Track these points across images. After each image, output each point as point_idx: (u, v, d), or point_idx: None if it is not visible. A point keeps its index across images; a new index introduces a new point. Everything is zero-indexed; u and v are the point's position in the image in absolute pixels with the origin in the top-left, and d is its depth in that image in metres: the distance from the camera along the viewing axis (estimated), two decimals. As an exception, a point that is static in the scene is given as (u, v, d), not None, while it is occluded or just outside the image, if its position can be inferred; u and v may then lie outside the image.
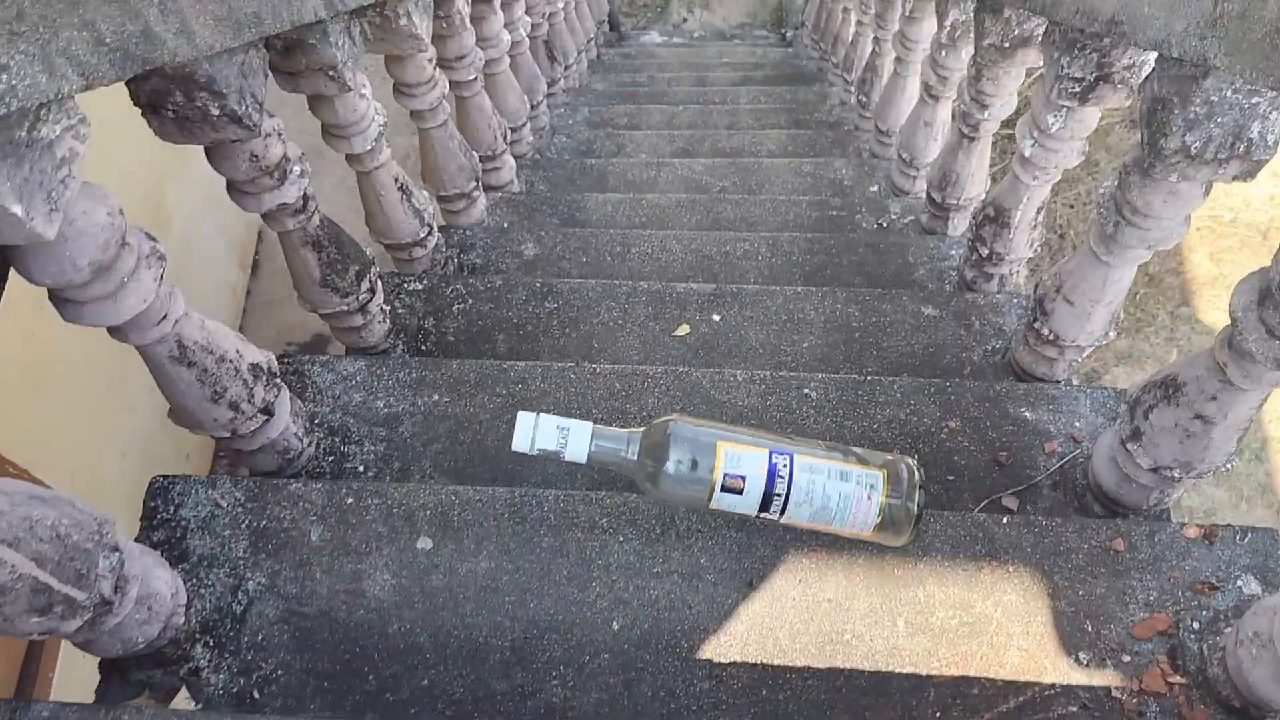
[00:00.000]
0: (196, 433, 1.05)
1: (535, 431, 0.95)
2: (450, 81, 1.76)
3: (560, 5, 3.04)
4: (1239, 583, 0.98)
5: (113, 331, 0.88)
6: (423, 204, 1.61)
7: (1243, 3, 0.72)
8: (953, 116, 1.87)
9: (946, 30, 1.73)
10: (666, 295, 1.59)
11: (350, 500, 1.05)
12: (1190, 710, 0.89)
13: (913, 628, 0.96)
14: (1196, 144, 0.88)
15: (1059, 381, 1.40)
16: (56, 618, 0.74)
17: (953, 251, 1.83)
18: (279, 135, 1.08)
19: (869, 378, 1.32)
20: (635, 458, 0.97)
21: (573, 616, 0.97)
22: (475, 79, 1.89)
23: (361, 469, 1.23)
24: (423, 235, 1.63)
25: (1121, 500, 1.13)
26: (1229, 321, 0.87)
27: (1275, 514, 2.97)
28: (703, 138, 2.93)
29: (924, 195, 1.98)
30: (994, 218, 1.53)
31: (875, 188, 2.39)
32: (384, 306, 1.47)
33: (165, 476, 1.07)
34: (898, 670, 0.93)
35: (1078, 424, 1.25)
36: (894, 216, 2.12)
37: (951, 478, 1.22)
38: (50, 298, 0.82)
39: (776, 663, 0.94)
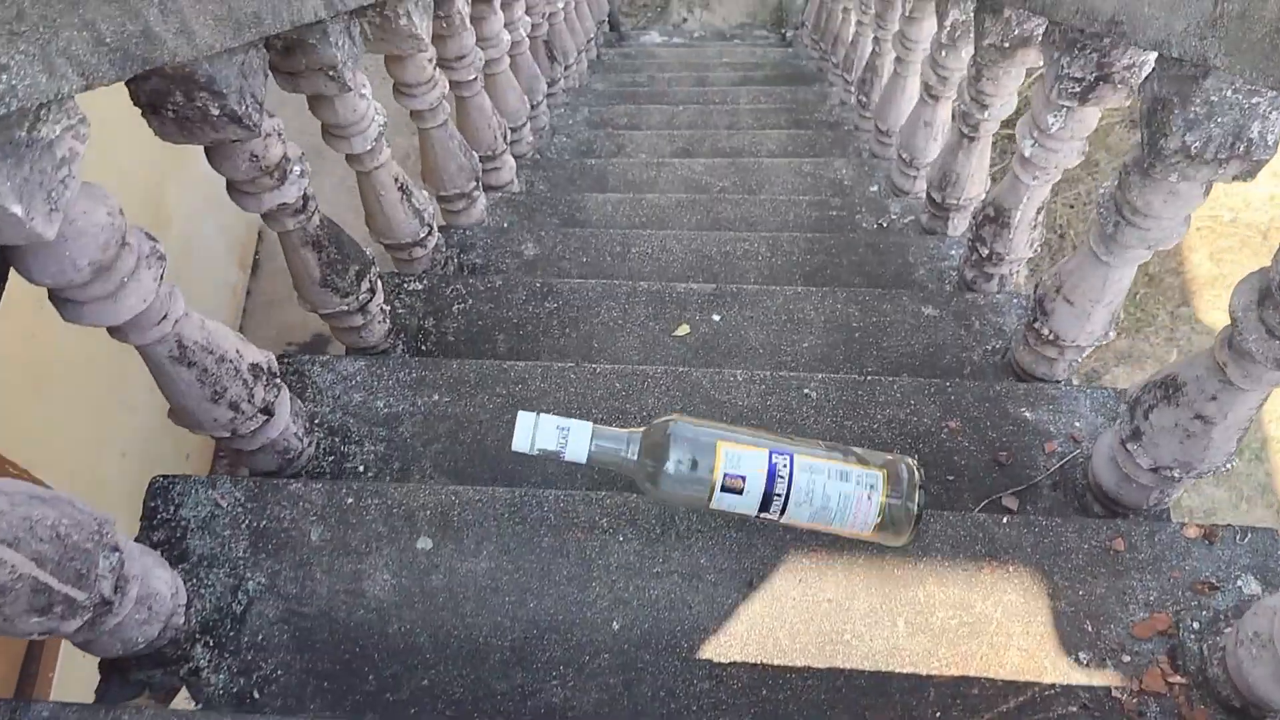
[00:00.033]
0: (196, 433, 1.05)
1: (535, 431, 0.95)
2: (450, 81, 1.76)
3: (560, 5, 3.04)
4: (1239, 583, 0.98)
5: (113, 331, 0.88)
6: (423, 204, 1.61)
7: (1243, 3, 0.72)
8: (953, 116, 1.87)
9: (946, 30, 1.73)
10: (666, 295, 1.59)
11: (350, 500, 1.05)
12: (1190, 710, 0.89)
13: (913, 628, 0.96)
14: (1196, 144, 0.88)
15: (1059, 381, 1.40)
16: (56, 618, 0.74)
17: (953, 251, 1.83)
18: (279, 135, 1.08)
19: (869, 378, 1.32)
20: (635, 458, 0.97)
21: (573, 616, 0.97)
22: (475, 79, 1.89)
23: (361, 469, 1.23)
24: (423, 235, 1.63)
25: (1121, 500, 1.13)
26: (1229, 321, 0.87)
27: (1275, 514, 2.97)
28: (703, 138, 2.93)
29: (924, 195, 1.98)
30: (994, 218, 1.53)
31: (875, 188, 2.39)
32: (384, 306, 1.47)
33: (165, 476, 1.07)
34: (898, 670, 0.93)
35: (1078, 424, 1.25)
36: (894, 216, 2.12)
37: (951, 478, 1.22)
38: (50, 298, 0.82)
39: (776, 663, 0.94)
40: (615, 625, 0.97)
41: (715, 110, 3.38)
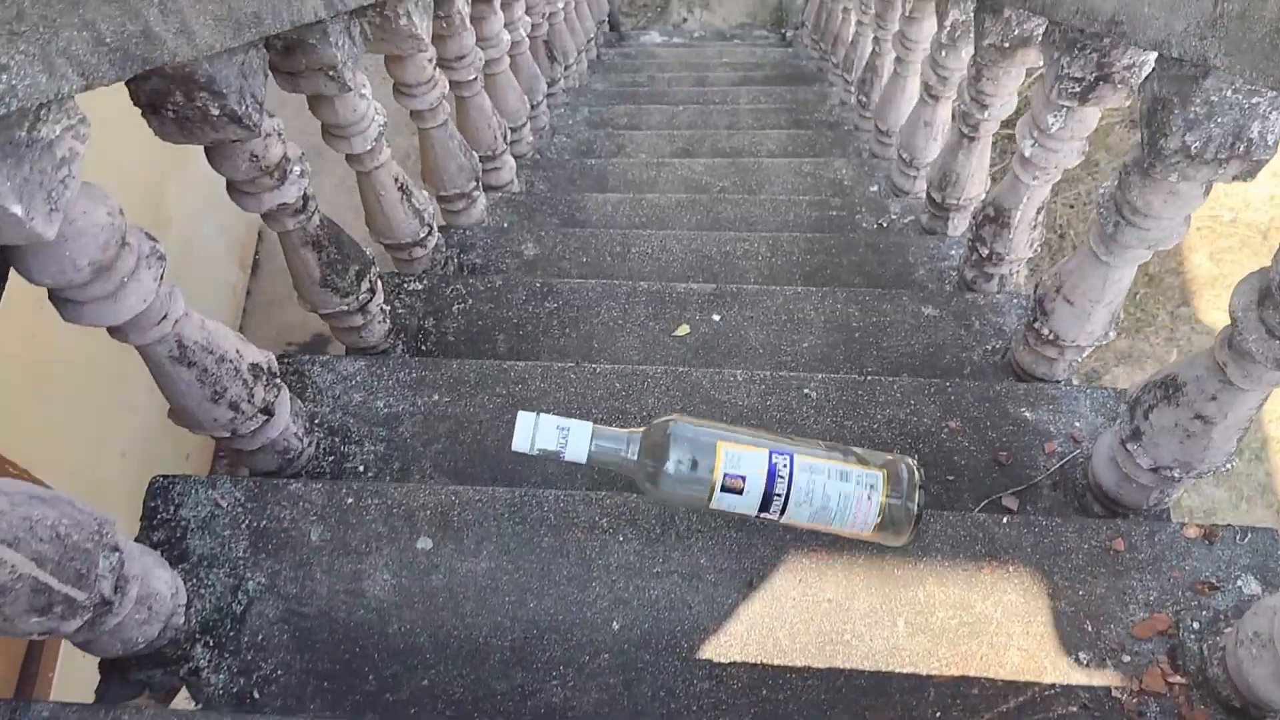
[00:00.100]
0: (196, 433, 1.05)
1: (535, 431, 0.95)
2: (450, 81, 1.76)
3: (560, 5, 3.04)
4: (1239, 583, 0.98)
5: (113, 331, 0.88)
6: (423, 204, 1.61)
7: (1243, 3, 0.72)
8: (953, 116, 1.87)
9: (946, 30, 1.73)
10: (666, 295, 1.59)
11: (350, 500, 1.05)
12: (1190, 710, 0.89)
13: (913, 628, 0.96)
14: (1196, 144, 0.88)
15: (1059, 381, 1.40)
16: (56, 618, 0.74)
17: (953, 251, 1.83)
18: (279, 135, 1.08)
19: (869, 378, 1.32)
20: (635, 458, 0.97)
21: (573, 616, 0.97)
22: (475, 79, 1.89)
23: (361, 469, 1.23)
24: (423, 235, 1.63)
25: (1121, 500, 1.13)
26: (1229, 321, 0.87)
27: (1275, 514, 2.97)
28: (703, 138, 2.93)
29: (924, 195, 1.98)
30: (994, 218, 1.53)
31: (875, 188, 2.39)
32: (384, 306, 1.47)
33: (165, 476, 1.07)
34: (898, 670, 0.93)
35: (1078, 424, 1.25)
36: (894, 216, 2.12)
37: (951, 478, 1.22)
38: (50, 298, 0.82)
39: (776, 663, 0.94)
40: (615, 625, 0.97)
41: (715, 110, 3.38)
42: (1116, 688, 0.91)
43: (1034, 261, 3.06)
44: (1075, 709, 0.90)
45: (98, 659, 0.93)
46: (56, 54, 0.66)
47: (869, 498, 0.95)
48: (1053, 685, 0.92)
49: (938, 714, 0.91)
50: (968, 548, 1.01)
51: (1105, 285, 1.19)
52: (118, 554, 0.79)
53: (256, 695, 0.93)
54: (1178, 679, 0.91)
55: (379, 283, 1.42)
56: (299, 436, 1.19)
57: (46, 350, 2.06)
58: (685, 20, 5.70)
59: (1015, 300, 1.57)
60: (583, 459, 0.96)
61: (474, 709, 0.92)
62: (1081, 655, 0.94)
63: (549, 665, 0.94)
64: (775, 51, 4.91)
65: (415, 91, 1.59)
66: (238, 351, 1.03)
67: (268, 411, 1.08)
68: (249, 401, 1.04)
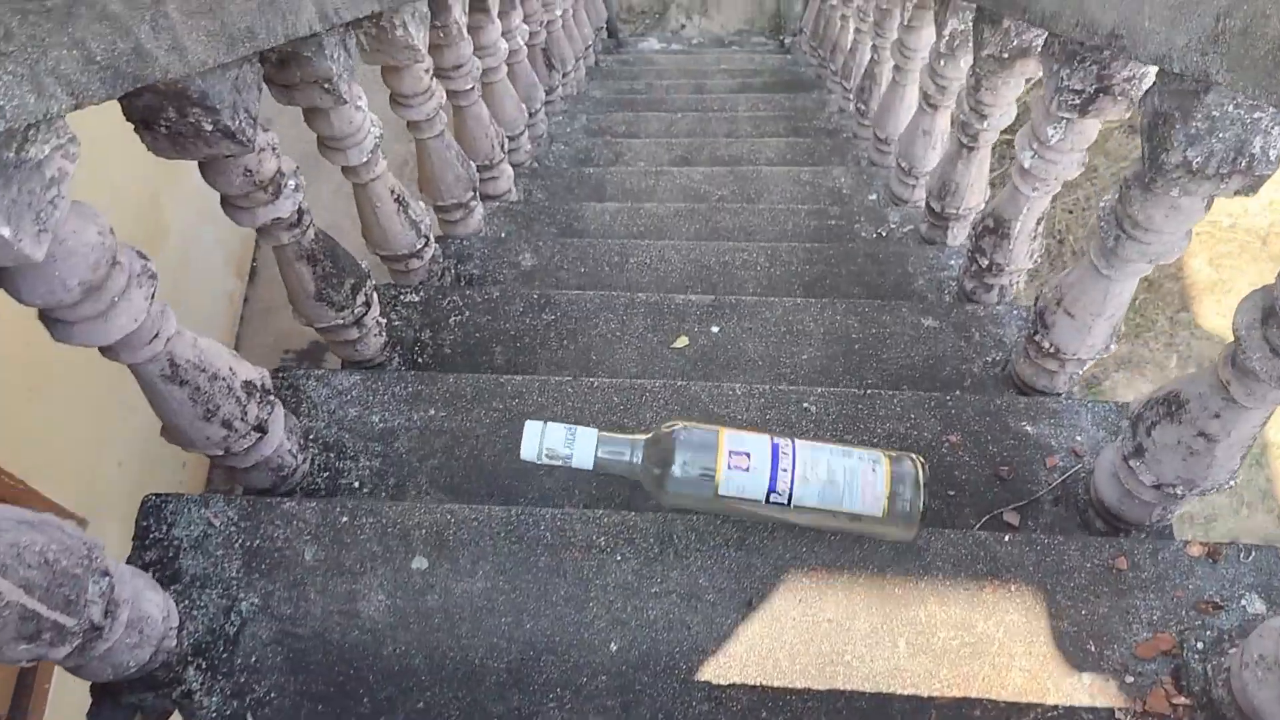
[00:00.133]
0: (189, 451, 1.04)
1: (542, 439, 0.95)
2: (447, 91, 1.75)
3: (558, 13, 3.03)
4: (1243, 602, 0.97)
5: (104, 351, 0.87)
6: (419, 215, 1.61)
7: (1245, 19, 0.71)
8: (952, 124, 1.86)
9: (945, 40, 1.73)
10: (665, 307, 1.58)
11: (344, 519, 1.04)
12: (1195, 732, 0.88)
13: (914, 648, 0.94)
14: (1198, 159, 0.87)
15: (1060, 394, 1.39)
16: (45, 644, 0.73)
17: (952, 261, 1.83)
18: (273, 149, 1.07)
19: (869, 391, 1.31)
20: (640, 462, 0.97)
21: (570, 638, 0.96)
22: (472, 88, 1.88)
23: (357, 485, 1.22)
24: (419, 247, 1.62)
25: (1124, 516, 1.12)
26: (1231, 335, 0.86)
27: (1276, 520, 2.96)
28: (701, 145, 2.93)
29: (923, 204, 1.97)
30: (994, 228, 1.53)
31: (874, 196, 2.39)
32: (380, 319, 1.46)
33: (158, 495, 1.06)
34: (899, 692, 0.92)
35: (1079, 438, 1.24)
36: (893, 226, 2.11)
37: (952, 492, 1.20)
38: (40, 317, 0.81)
39: (776, 684, 0.93)
40: (613, 646, 0.95)
41: (714, 118, 3.37)
42: (1120, 709, 0.90)
43: (1033, 268, 3.05)
44: (1079, 731, 0.89)
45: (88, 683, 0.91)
46: (45, 73, 0.66)
47: (874, 470, 0.95)
48: (1056, 707, 0.91)
49: (939, 736, 0.90)
50: (969, 566, 1.00)
51: (1106, 298, 1.19)
52: (107, 578, 0.78)
53: (250, 718, 0.92)
54: (1182, 700, 0.90)
55: (375, 296, 1.41)
56: (293, 453, 1.18)
57: (44, 357, 2.05)
58: (684, 27, 5.70)
59: (1015, 312, 1.56)
60: (589, 465, 0.96)
61: (470, 732, 0.91)
62: (1085, 676, 0.92)
63: (546, 687, 0.93)
64: (774, 58, 4.91)
65: (412, 102, 1.58)
66: (231, 369, 1.02)
67: (261, 429, 1.07)
68: (242, 419, 1.03)
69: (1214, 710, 0.89)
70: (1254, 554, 1.00)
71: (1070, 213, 3.77)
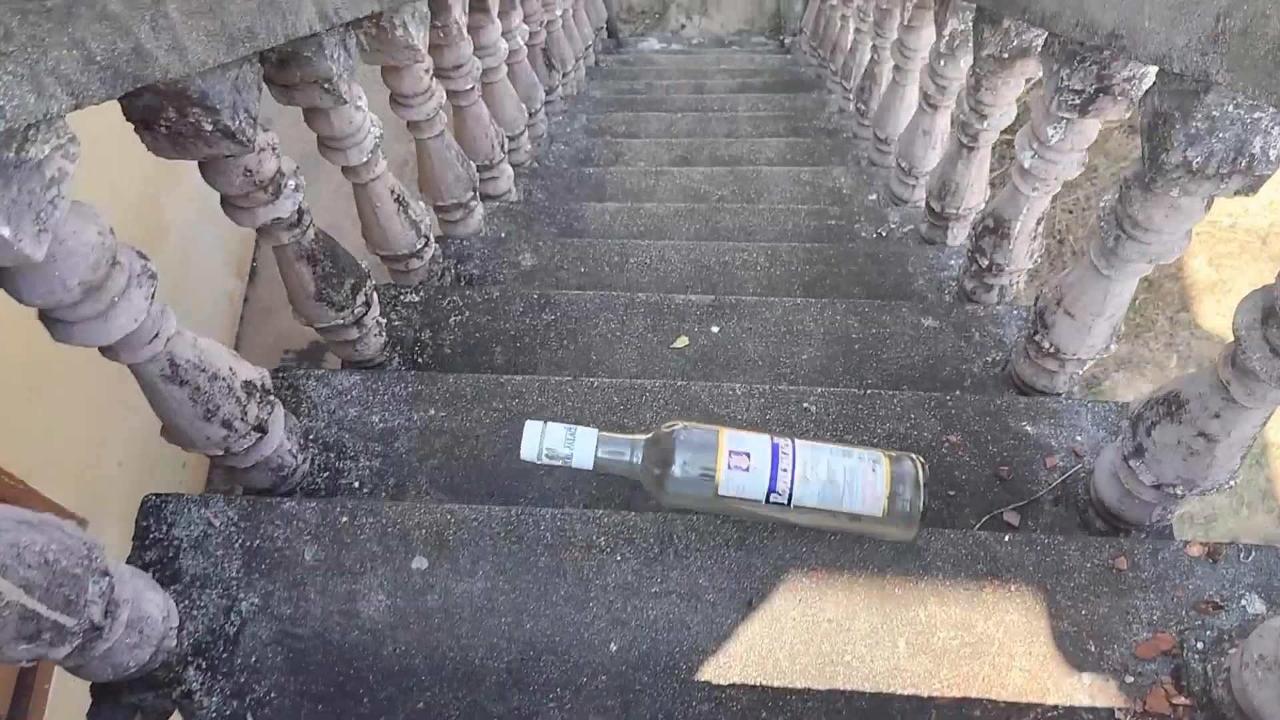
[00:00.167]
0: (189, 450, 1.04)
1: (542, 439, 0.95)
2: (447, 91, 1.75)
3: (558, 13, 3.03)
4: (1243, 602, 0.97)
5: (104, 351, 0.87)
6: (419, 215, 1.60)
7: (1245, 19, 0.71)
8: (952, 124, 1.86)
9: (945, 40, 1.72)
10: (665, 306, 1.58)
11: (344, 519, 1.04)
12: (1195, 732, 0.88)
13: (914, 648, 0.94)
14: (1198, 159, 0.87)
15: (1059, 394, 1.39)
16: (45, 644, 0.73)
17: (952, 261, 1.83)
18: (273, 149, 1.07)
19: (869, 392, 1.31)
20: (640, 462, 0.97)
21: (570, 638, 0.96)
22: (472, 88, 1.88)
23: (357, 485, 1.22)
24: (419, 247, 1.62)
25: (1124, 516, 1.12)
26: (1231, 336, 0.86)
27: (1276, 519, 2.96)
28: (701, 145, 2.93)
29: (923, 204, 1.97)
30: (993, 229, 1.53)
31: (874, 196, 2.39)
32: (380, 319, 1.46)
33: (158, 495, 1.06)
34: (899, 692, 0.92)
35: (1079, 438, 1.24)
36: (893, 226, 2.11)
37: (952, 493, 1.20)
38: (40, 317, 0.81)
39: (776, 684, 0.93)
40: (613, 646, 0.95)
41: (714, 118, 3.37)
42: (1120, 709, 0.90)
43: (1033, 268, 3.05)
44: (1079, 731, 0.89)
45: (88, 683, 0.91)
46: (45, 73, 0.66)
47: (874, 470, 0.95)
48: (1056, 707, 0.91)
49: (939, 736, 0.90)
50: (969, 566, 1.00)
51: (1106, 298, 1.19)
52: (107, 579, 0.78)
53: (250, 718, 0.92)
54: (1182, 700, 0.90)
55: (375, 296, 1.41)
56: (293, 453, 1.18)
57: (44, 357, 2.05)
58: (684, 27, 5.70)
59: (1015, 312, 1.56)
60: (589, 465, 0.96)
61: (470, 732, 0.91)
62: (1085, 676, 0.92)
63: (546, 687, 0.93)
64: (774, 58, 4.91)
65: (412, 102, 1.58)
66: (231, 369, 1.02)
67: (261, 429, 1.07)
68: (242, 419, 1.03)
69: (1214, 710, 0.89)
70: (1254, 554, 0.99)
71: (1070, 213, 3.77)
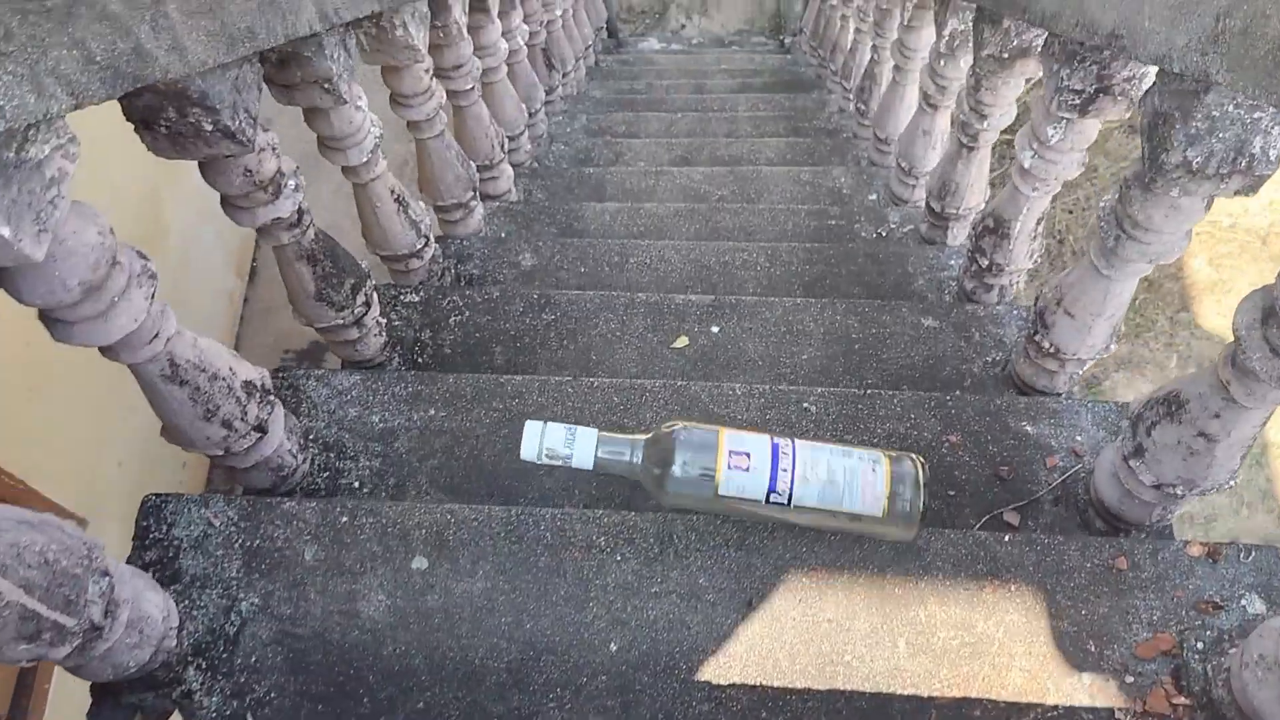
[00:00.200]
0: (189, 451, 1.04)
1: (542, 439, 0.95)
2: (447, 91, 1.75)
3: (558, 13, 3.03)
4: (1243, 602, 0.97)
5: (104, 351, 0.87)
6: (419, 215, 1.60)
7: (1245, 19, 0.71)
8: (952, 124, 1.86)
9: (945, 39, 1.72)
10: (665, 306, 1.58)
11: (344, 519, 1.04)
12: (1195, 732, 0.88)
13: (914, 648, 0.94)
14: (1198, 159, 0.87)
15: (1059, 394, 1.39)
16: (45, 644, 0.73)
17: (952, 261, 1.83)
18: (273, 149, 1.07)
19: (869, 392, 1.31)
20: (640, 462, 0.97)
21: (570, 638, 0.96)
22: (472, 88, 1.88)
23: (357, 485, 1.22)
24: (419, 247, 1.62)
25: (1124, 516, 1.12)
26: (1231, 336, 0.86)
27: (1276, 520, 2.96)
28: (701, 145, 2.93)
29: (923, 204, 1.97)
30: (993, 229, 1.53)
31: (874, 196, 2.39)
32: (380, 319, 1.46)
33: (158, 495, 1.06)
34: (899, 692, 0.92)
35: (1079, 438, 1.24)
36: (893, 225, 2.11)
37: (952, 493, 1.20)
38: (40, 317, 0.81)
39: (776, 684, 0.93)
40: (613, 646, 0.95)
41: (714, 118, 3.37)
42: (1120, 709, 0.90)
43: (1033, 268, 3.06)
44: (1078, 731, 0.89)
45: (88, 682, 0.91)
46: (45, 73, 0.66)
47: (874, 470, 0.95)
48: (1055, 707, 0.91)
49: (939, 736, 0.90)
50: (969, 566, 1.00)
51: (1106, 298, 1.19)
52: (107, 579, 0.78)
53: (250, 718, 0.92)
54: (1182, 700, 0.90)
55: (375, 296, 1.41)
56: (293, 453, 1.18)
57: (44, 357, 2.05)
58: (684, 27, 5.70)
59: (1015, 312, 1.56)
60: (589, 465, 0.96)
61: (470, 732, 0.91)
62: (1085, 676, 0.92)
63: (546, 687, 0.93)
64: (774, 58, 4.91)
65: (412, 102, 1.58)
66: (231, 369, 1.02)
67: (261, 429, 1.07)
68: (242, 419, 1.03)
69: (1214, 710, 0.89)
70: (1254, 554, 1.00)
71: (1070, 212, 3.77)
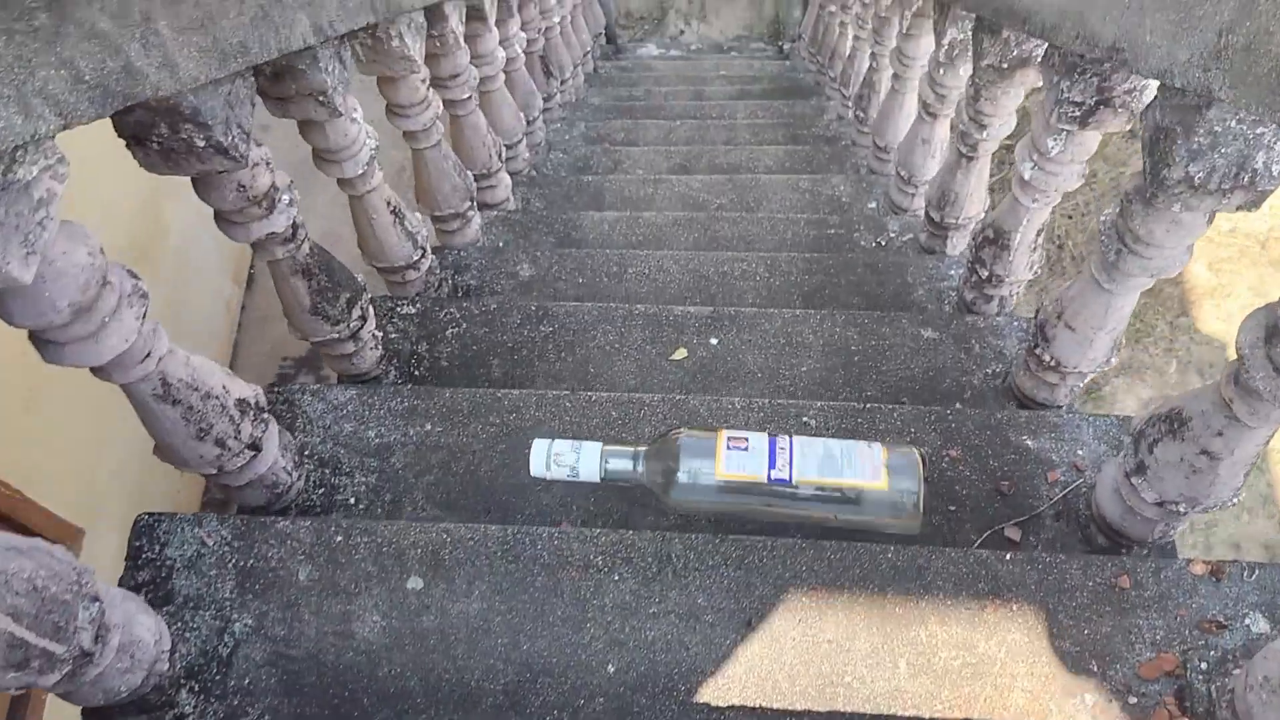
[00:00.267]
0: (182, 470, 1.03)
1: (549, 456, 1.03)
2: (444, 100, 1.74)
3: (556, 19, 3.02)
4: (1247, 621, 0.96)
5: (95, 371, 0.86)
6: (415, 227, 1.60)
7: (1248, 36, 0.71)
8: (951, 132, 1.85)
9: (944, 49, 1.72)
10: (663, 318, 1.57)
11: (339, 538, 1.03)
12: (1199, 755, 0.87)
13: (915, 669, 0.93)
14: (1200, 174, 0.87)
15: (1060, 407, 1.38)
16: (34, 672, 0.72)
17: (952, 271, 1.82)
18: (267, 164, 1.07)
19: (868, 406, 1.30)
20: (645, 466, 1.04)
21: (567, 659, 0.95)
22: (470, 97, 1.87)
23: (352, 501, 1.21)
24: (416, 258, 1.61)
25: (1126, 533, 1.11)
26: (1231, 341, 0.85)
27: (1277, 525, 2.96)
28: (700, 153, 2.92)
29: (923, 213, 1.97)
30: (993, 239, 1.52)
31: (873, 205, 2.38)
32: (375, 333, 1.45)
33: (151, 514, 1.04)
34: (900, 713, 0.91)
35: (1080, 452, 1.23)
36: (892, 235, 2.10)
37: (953, 508, 1.19)
38: (30, 338, 0.80)
39: (776, 706, 0.92)
40: (611, 668, 0.94)
41: (712, 125, 3.37)
42: (1124, 731, 0.89)
43: (1033, 278, 3.05)
44: (1082, 753, 0.88)
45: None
46: (33, 94, 0.65)
47: (870, 447, 1.04)
48: (1058, 729, 0.90)
49: (941, 759, 0.89)
50: (970, 585, 0.99)
51: (1107, 312, 1.18)
52: (98, 604, 0.77)
53: (243, 741, 0.91)
54: (1186, 722, 0.89)
55: (370, 309, 1.40)
56: (288, 470, 1.16)
57: (40, 365, 2.04)
58: (682, 33, 5.70)
59: (1015, 324, 1.55)
60: (596, 478, 1.03)
61: (466, 755, 0.90)
62: (1088, 697, 0.91)
63: (543, 710, 0.92)
64: (772, 64, 4.91)
65: (408, 112, 1.57)
66: (224, 387, 1.01)
67: (255, 447, 1.06)
68: (235, 438, 1.02)
69: (1218, 732, 0.88)
70: (1258, 572, 0.99)
71: (1070, 218, 3.77)
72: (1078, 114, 1.15)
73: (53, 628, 0.72)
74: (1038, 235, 1.50)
